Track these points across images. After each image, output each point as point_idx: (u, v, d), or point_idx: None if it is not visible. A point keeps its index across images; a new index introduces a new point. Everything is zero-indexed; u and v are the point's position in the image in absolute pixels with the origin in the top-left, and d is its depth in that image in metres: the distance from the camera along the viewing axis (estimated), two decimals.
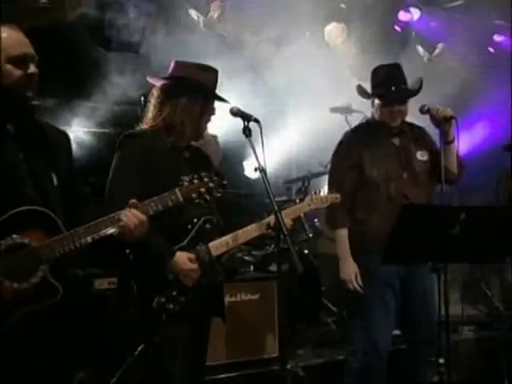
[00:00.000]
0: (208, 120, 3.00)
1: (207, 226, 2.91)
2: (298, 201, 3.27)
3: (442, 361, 3.10)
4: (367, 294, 3.58)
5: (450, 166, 3.56)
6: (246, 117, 2.92)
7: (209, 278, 2.89)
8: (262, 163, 2.82)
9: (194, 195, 2.54)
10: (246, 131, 2.91)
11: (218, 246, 2.91)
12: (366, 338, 3.58)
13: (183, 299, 2.79)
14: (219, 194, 2.65)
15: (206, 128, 3.03)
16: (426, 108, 3.51)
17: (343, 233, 3.64)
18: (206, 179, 2.58)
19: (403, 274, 3.60)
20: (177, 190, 2.52)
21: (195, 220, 2.87)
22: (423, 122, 3.78)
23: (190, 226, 2.86)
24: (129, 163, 2.85)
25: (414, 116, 3.76)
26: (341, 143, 3.78)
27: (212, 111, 3.00)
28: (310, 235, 5.57)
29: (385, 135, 3.72)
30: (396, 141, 3.72)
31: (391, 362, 3.94)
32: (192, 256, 2.82)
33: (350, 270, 3.59)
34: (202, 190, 2.55)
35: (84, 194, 2.61)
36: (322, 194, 3.24)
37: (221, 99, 2.99)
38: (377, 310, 3.56)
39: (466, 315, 5.28)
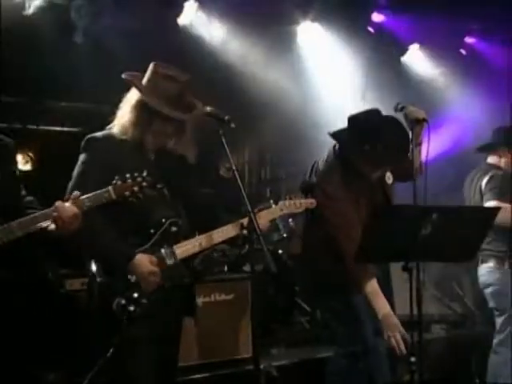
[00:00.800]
0: (172, 132, 2.97)
1: (172, 228, 2.90)
2: (272, 201, 3.26)
3: (413, 359, 3.11)
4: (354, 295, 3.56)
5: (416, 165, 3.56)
6: (219, 117, 2.93)
7: (173, 281, 2.88)
8: (235, 163, 2.84)
9: (126, 193, 2.61)
10: (220, 131, 2.92)
11: (183, 248, 2.90)
12: (355, 339, 3.51)
13: (145, 301, 2.78)
14: (154, 193, 2.74)
15: (167, 136, 2.97)
16: (400, 106, 3.51)
17: (375, 284, 3.33)
18: (139, 179, 2.64)
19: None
20: (110, 188, 2.60)
21: (160, 223, 2.88)
22: None
23: (153, 230, 2.87)
24: (91, 166, 2.87)
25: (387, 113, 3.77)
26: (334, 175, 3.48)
27: (172, 121, 2.93)
28: (285, 235, 5.59)
29: (363, 181, 3.51)
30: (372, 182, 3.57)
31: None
32: (153, 258, 2.82)
33: (395, 326, 3.28)
34: (135, 188, 2.62)
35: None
36: (296, 199, 3.21)
37: (176, 117, 2.93)
38: (364, 310, 3.55)
39: (438, 314, 5.33)
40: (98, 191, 2.59)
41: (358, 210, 3.41)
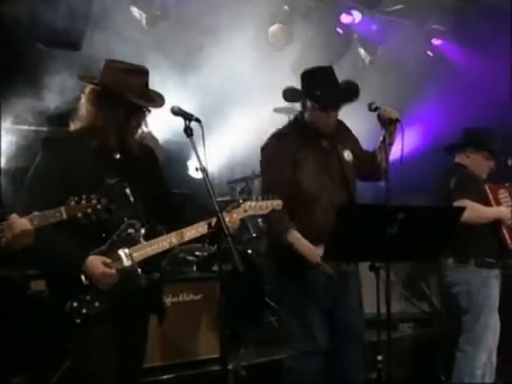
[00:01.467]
0: (137, 125, 2.93)
1: (130, 230, 2.86)
2: (241, 201, 3.24)
3: (380, 358, 3.14)
4: (304, 294, 3.59)
5: (383, 166, 3.61)
6: (186, 116, 2.91)
7: (129, 284, 2.83)
8: (203, 163, 2.81)
9: (79, 215, 2.54)
10: (188, 131, 2.90)
11: (142, 250, 2.86)
12: (305, 337, 3.58)
13: (97, 304, 2.75)
14: (106, 216, 2.63)
15: (134, 130, 2.94)
16: (374, 106, 3.53)
17: (296, 233, 3.50)
18: (94, 201, 2.55)
19: (334, 275, 3.61)
20: (62, 209, 2.51)
21: (119, 224, 2.84)
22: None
23: (107, 232, 2.82)
24: (49, 166, 2.81)
25: (362, 113, 3.80)
26: (267, 148, 3.68)
27: (139, 114, 2.92)
28: (254, 235, 5.59)
29: (313, 137, 3.66)
30: (324, 142, 3.68)
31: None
32: (107, 260, 2.77)
33: (315, 255, 3.43)
34: (89, 210, 2.55)
35: None
36: (261, 200, 3.17)
37: (144, 106, 2.91)
38: (313, 309, 3.58)
39: (405, 313, 5.39)
40: (50, 210, 2.51)
41: (302, 167, 3.56)
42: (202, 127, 2.89)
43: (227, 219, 2.92)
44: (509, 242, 4.24)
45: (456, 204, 4.12)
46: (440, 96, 6.71)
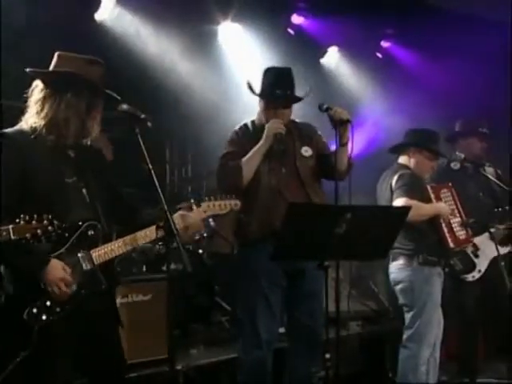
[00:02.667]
0: (96, 116, 2.86)
1: (90, 232, 2.79)
2: (192, 201, 3.22)
3: (328, 356, 3.17)
4: (250, 288, 3.64)
5: (341, 166, 3.65)
6: (135, 115, 2.88)
7: (89, 287, 2.78)
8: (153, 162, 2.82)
9: (28, 235, 2.42)
10: (136, 130, 2.88)
11: (101, 253, 2.80)
12: (251, 333, 3.62)
13: (58, 309, 2.68)
14: (55, 238, 2.51)
15: (93, 125, 2.86)
16: (324, 107, 3.57)
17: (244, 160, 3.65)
18: (45, 221, 2.44)
19: (291, 272, 3.67)
20: (10, 228, 2.39)
21: (77, 226, 2.76)
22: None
23: (67, 234, 2.71)
24: (5, 168, 2.66)
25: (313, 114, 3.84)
26: (230, 137, 3.82)
27: (100, 107, 2.87)
28: (205, 235, 5.57)
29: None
30: (279, 139, 3.72)
31: (281, 359, 4.02)
32: (66, 267, 2.70)
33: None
34: (39, 231, 2.43)
35: None
36: (220, 200, 3.18)
37: (108, 95, 2.87)
38: (259, 304, 3.62)
39: (353, 311, 5.45)
40: None
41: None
42: (150, 125, 2.88)
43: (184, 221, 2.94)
44: (449, 239, 4.31)
45: (397, 202, 4.20)
46: (389, 97, 6.83)
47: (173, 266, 4.61)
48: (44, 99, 2.78)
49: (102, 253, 2.80)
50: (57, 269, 2.67)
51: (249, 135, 3.80)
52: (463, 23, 6.23)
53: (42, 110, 2.78)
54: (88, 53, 2.94)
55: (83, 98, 2.80)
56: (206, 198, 3.16)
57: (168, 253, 2.96)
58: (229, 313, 5.39)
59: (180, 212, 3.03)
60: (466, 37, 6.20)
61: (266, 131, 3.67)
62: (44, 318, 2.65)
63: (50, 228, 2.45)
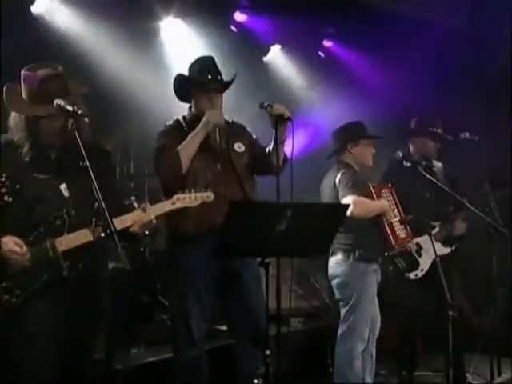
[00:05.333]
0: (50, 122, 3.00)
1: (57, 222, 2.96)
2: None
3: (268, 352, 3.18)
4: (183, 286, 3.63)
5: (277, 162, 3.65)
6: (71, 111, 2.87)
7: (51, 273, 2.93)
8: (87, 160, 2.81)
9: None
10: (74, 126, 2.86)
11: (66, 241, 2.93)
12: (184, 332, 3.61)
13: (19, 292, 2.85)
14: (10, 199, 2.82)
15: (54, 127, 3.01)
16: (265, 105, 3.58)
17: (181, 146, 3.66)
18: None
19: (224, 266, 3.66)
20: None
21: (46, 217, 2.95)
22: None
23: (37, 225, 2.93)
24: None
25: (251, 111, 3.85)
26: (159, 133, 3.82)
27: (51, 112, 2.97)
28: (147, 232, 5.51)
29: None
30: (213, 134, 3.76)
31: (221, 357, 4.02)
32: (19, 241, 2.86)
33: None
34: None
35: None
36: (191, 193, 3.18)
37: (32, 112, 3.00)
38: (192, 303, 3.61)
39: (295, 307, 5.49)
40: None
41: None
42: (88, 122, 2.89)
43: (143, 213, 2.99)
44: (391, 237, 4.40)
45: (345, 201, 4.26)
46: (331, 96, 6.90)
47: (113, 264, 4.54)
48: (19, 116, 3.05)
49: (65, 241, 2.94)
50: (7, 243, 2.86)
51: (181, 129, 3.80)
52: (402, 24, 6.36)
53: (19, 124, 3.03)
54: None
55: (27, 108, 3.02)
56: (180, 191, 3.17)
57: (106, 250, 2.94)
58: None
59: (142, 206, 3.08)
60: (405, 37, 6.33)
61: (204, 118, 3.67)
62: (6, 298, 2.84)
63: (2, 190, 2.75)
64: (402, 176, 4.74)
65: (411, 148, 5.08)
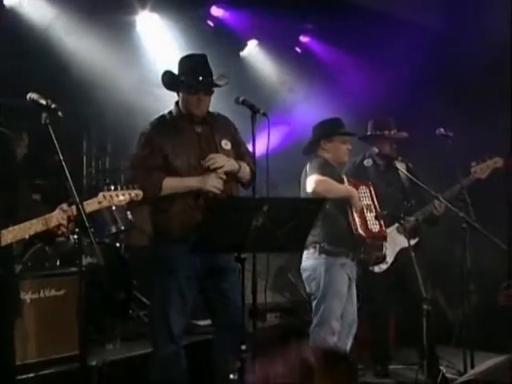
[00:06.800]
0: None
1: None
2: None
3: (243, 347, 3.19)
4: (167, 284, 3.60)
5: (246, 178, 3.73)
6: (45, 105, 2.84)
7: None
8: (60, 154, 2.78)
9: None
10: (46, 120, 2.82)
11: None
12: (164, 328, 3.60)
13: None
14: None
15: None
16: (241, 100, 3.57)
17: (168, 179, 3.59)
18: None
19: (209, 264, 3.64)
20: None
21: None
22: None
23: None
24: None
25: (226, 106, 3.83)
26: (144, 131, 3.73)
27: None
28: (122, 228, 5.48)
29: (187, 123, 3.74)
30: (199, 129, 3.74)
31: (201, 351, 4.01)
32: None
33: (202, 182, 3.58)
34: None
35: None
36: (118, 190, 3.08)
37: None
38: (175, 300, 3.59)
39: (271, 302, 5.51)
40: None
41: (176, 154, 3.62)
42: (60, 116, 2.83)
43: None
44: (359, 227, 4.35)
45: (309, 179, 4.27)
46: (308, 91, 6.91)
47: (88, 260, 4.51)
48: None
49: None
50: None
51: (167, 126, 3.74)
52: (381, 22, 6.38)
53: None
54: None
55: None
56: (105, 188, 3.06)
57: (80, 246, 2.88)
58: (147, 307, 5.32)
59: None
60: (382, 35, 6.36)
61: (202, 180, 3.57)
62: None
63: None
64: (364, 174, 4.82)
65: (371, 148, 5.15)
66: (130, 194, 3.09)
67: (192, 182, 3.59)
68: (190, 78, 3.68)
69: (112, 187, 3.04)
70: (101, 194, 3.02)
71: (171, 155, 3.63)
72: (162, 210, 3.62)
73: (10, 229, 2.83)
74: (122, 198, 3.07)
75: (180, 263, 3.56)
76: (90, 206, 2.98)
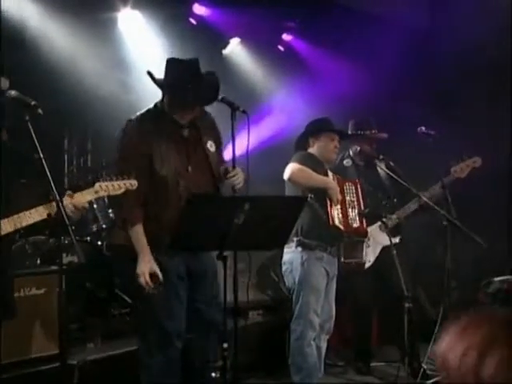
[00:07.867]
0: None
1: None
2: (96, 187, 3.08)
3: (225, 345, 3.19)
4: (160, 290, 3.51)
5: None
6: (25, 103, 2.82)
7: None
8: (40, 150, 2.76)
9: None
10: (26, 117, 2.80)
11: None
12: (160, 333, 3.50)
13: None
14: None
15: None
16: (220, 97, 3.52)
17: (139, 229, 3.43)
18: None
19: (189, 261, 3.61)
20: None
21: None
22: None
23: None
24: None
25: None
26: (126, 131, 3.54)
27: None
28: (104, 226, 5.45)
29: (173, 127, 3.58)
30: (186, 132, 3.61)
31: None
32: None
33: (144, 267, 3.39)
34: None
35: None
36: (114, 180, 3.07)
37: None
38: (170, 303, 3.52)
39: (253, 300, 5.51)
40: None
41: (160, 155, 3.48)
42: (40, 113, 2.82)
43: (72, 200, 2.84)
44: (336, 219, 4.34)
45: (286, 170, 4.27)
46: (290, 90, 6.93)
47: (69, 258, 4.48)
48: None
49: None
50: None
51: (152, 126, 3.54)
52: (362, 20, 6.42)
53: None
54: None
55: None
56: (101, 179, 3.06)
57: (60, 244, 2.87)
58: (130, 305, 5.29)
59: (68, 192, 2.97)
60: (364, 34, 6.40)
61: (140, 260, 3.42)
62: None
63: None
64: (344, 174, 4.82)
65: (352, 147, 5.17)
66: (125, 184, 3.09)
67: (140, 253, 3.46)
68: (180, 92, 3.46)
69: (108, 178, 3.06)
70: (97, 184, 3.02)
71: (157, 163, 3.47)
72: (153, 218, 3.49)
73: (10, 218, 2.82)
74: (118, 188, 3.06)
75: (171, 264, 3.49)
76: (85, 196, 2.97)
